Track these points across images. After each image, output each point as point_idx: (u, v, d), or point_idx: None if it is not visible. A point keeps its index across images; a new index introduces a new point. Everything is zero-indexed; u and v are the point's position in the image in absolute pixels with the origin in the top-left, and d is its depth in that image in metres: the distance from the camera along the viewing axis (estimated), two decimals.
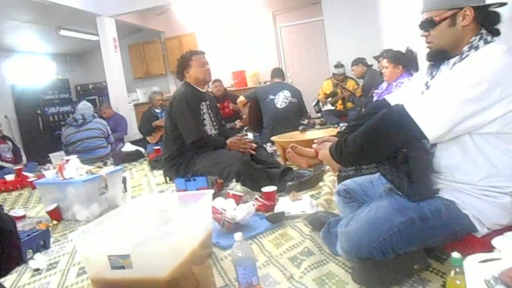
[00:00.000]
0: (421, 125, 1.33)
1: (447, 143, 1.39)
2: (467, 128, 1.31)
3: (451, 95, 1.29)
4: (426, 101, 1.37)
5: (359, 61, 5.84)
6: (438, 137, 1.34)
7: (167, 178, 3.70)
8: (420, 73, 1.74)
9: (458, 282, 1.10)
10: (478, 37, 1.38)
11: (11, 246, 1.13)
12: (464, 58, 1.37)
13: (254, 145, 3.14)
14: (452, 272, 1.14)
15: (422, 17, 1.49)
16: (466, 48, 1.39)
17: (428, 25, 1.45)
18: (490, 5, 1.38)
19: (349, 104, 6.09)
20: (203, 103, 3.11)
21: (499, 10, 1.40)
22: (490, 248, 1.25)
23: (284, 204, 2.49)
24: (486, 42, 1.36)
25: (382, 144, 1.44)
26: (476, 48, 1.36)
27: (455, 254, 1.12)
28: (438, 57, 1.49)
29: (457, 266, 1.11)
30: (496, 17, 1.39)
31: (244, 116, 5.12)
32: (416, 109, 1.35)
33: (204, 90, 3.23)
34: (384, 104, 1.80)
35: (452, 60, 1.44)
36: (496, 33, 1.40)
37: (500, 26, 1.41)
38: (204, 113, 3.07)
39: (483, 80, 1.24)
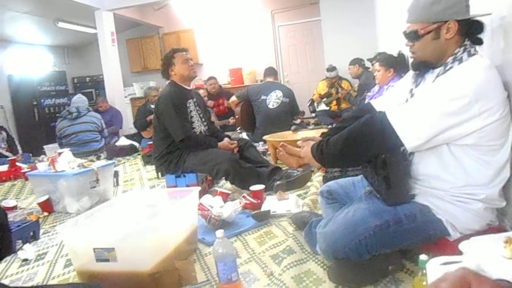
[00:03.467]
0: (401, 134, 1.36)
1: (425, 152, 1.43)
2: (445, 139, 1.35)
3: (432, 107, 1.32)
4: (407, 111, 1.40)
5: (356, 62, 5.88)
6: (416, 146, 1.38)
7: (159, 174, 3.75)
8: (405, 79, 1.78)
9: (424, 283, 1.16)
10: (462, 49, 1.39)
11: (1, 238, 1.16)
12: (448, 70, 1.39)
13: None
14: (420, 273, 1.19)
15: (406, 26, 1.51)
16: (450, 59, 1.40)
17: (412, 36, 1.47)
18: (473, 16, 1.41)
19: (343, 105, 6.15)
20: (190, 100, 3.11)
21: (482, 19, 1.41)
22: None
23: (271, 203, 2.54)
24: (470, 55, 1.37)
25: (362, 149, 1.48)
26: (460, 60, 1.37)
27: (423, 256, 1.18)
28: (422, 67, 1.52)
29: (424, 267, 1.16)
30: (479, 27, 1.40)
31: (237, 116, 5.16)
32: (397, 118, 1.38)
33: (190, 88, 3.23)
34: (369, 109, 1.84)
35: (436, 71, 1.45)
36: (479, 42, 1.42)
37: (483, 36, 1.42)
38: (191, 110, 3.08)
39: (464, 95, 1.27)
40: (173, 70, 3.10)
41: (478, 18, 1.40)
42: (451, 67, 1.39)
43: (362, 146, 1.48)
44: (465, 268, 0.48)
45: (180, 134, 2.91)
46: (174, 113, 2.92)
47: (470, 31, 1.40)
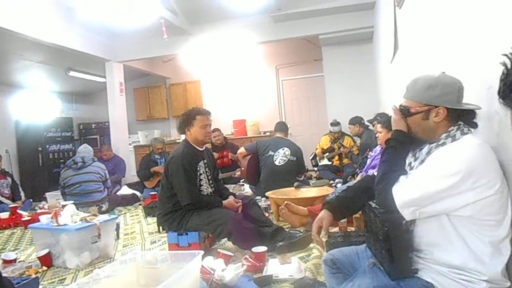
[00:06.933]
0: (398, 203, 1.44)
1: (426, 221, 1.46)
2: (442, 209, 1.39)
3: (428, 183, 1.38)
4: (407, 184, 1.46)
5: (356, 121, 5.97)
6: (411, 213, 1.43)
7: (160, 228, 3.74)
8: None
9: None
10: (455, 127, 1.47)
11: None
12: (441, 144, 1.46)
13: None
14: None
15: (403, 100, 1.60)
16: (443, 136, 1.48)
17: (405, 112, 1.57)
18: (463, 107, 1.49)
19: (345, 160, 6.22)
20: (201, 162, 3.14)
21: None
22: None
23: (273, 266, 2.52)
24: (463, 133, 1.44)
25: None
26: (453, 137, 1.45)
27: None
28: (413, 140, 1.60)
29: None
30: (471, 114, 1.48)
31: (243, 168, 5.19)
32: (399, 191, 1.45)
33: (203, 149, 3.25)
34: (373, 180, 1.89)
35: (431, 145, 1.52)
36: (474, 126, 1.50)
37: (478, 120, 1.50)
38: (201, 173, 3.10)
39: (457, 171, 1.33)
40: (189, 130, 3.13)
41: (471, 107, 1.49)
42: (444, 143, 1.46)
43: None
44: None
45: (186, 199, 2.92)
46: (184, 177, 2.94)
47: (460, 118, 1.48)
